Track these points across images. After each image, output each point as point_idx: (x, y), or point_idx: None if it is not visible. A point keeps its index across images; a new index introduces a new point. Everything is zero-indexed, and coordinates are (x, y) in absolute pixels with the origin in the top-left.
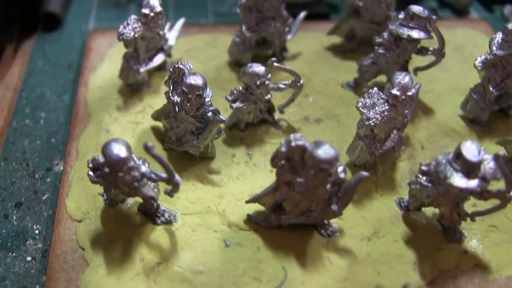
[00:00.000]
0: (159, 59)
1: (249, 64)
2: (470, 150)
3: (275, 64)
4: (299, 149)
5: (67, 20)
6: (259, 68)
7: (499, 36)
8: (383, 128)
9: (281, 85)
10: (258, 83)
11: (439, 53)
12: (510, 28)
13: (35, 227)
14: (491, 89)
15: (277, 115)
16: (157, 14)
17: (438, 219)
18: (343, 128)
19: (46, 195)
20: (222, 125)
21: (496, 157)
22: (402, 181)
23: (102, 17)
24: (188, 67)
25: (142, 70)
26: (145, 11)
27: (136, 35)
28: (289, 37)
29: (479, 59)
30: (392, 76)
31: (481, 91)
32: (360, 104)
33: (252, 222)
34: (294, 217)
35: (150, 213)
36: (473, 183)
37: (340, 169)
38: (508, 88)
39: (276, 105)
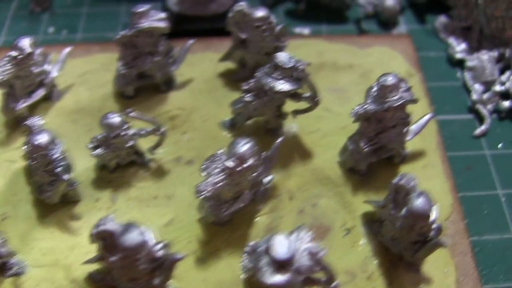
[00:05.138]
0: (38, 94)
1: (105, 115)
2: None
3: (131, 114)
4: (106, 233)
5: None
6: (113, 120)
7: (376, 87)
8: (228, 191)
9: (142, 132)
10: (112, 135)
11: (312, 101)
12: (384, 83)
13: None
14: (361, 144)
15: (151, 154)
16: (28, 55)
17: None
18: None
19: None
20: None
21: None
22: (255, 239)
23: (15, 30)
24: (37, 124)
25: (18, 107)
26: (13, 53)
27: (5, 78)
28: (173, 68)
29: (355, 108)
30: (232, 142)
31: (358, 141)
32: (203, 166)
33: (92, 280)
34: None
35: None
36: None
37: (157, 247)
38: (383, 143)
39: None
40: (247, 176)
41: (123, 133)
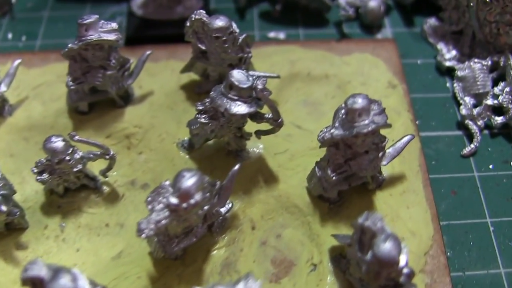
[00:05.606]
0: None
1: (48, 139)
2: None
3: (75, 138)
4: (35, 279)
5: None
6: (56, 144)
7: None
8: (176, 226)
9: (91, 156)
10: (55, 160)
11: (275, 123)
12: (351, 106)
13: None
14: (329, 172)
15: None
16: None
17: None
18: None
19: None
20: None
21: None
22: (211, 275)
23: None
24: None
25: None
26: None
27: None
28: (129, 81)
29: (322, 131)
30: (177, 175)
31: (326, 168)
32: (149, 198)
33: None
34: None
35: None
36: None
37: None
38: (353, 171)
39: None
40: (196, 212)
41: (68, 157)
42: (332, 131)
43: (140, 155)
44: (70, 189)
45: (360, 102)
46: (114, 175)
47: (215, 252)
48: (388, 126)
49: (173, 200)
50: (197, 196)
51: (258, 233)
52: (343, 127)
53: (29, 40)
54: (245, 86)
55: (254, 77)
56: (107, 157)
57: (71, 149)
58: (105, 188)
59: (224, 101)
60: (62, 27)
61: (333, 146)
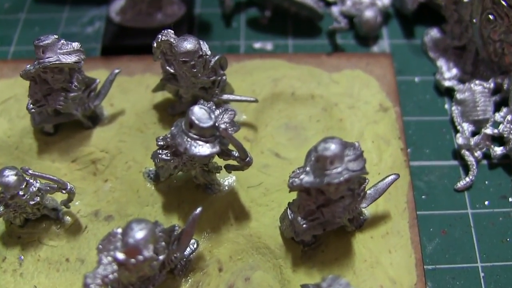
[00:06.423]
0: None
1: (0, 172)
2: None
3: (29, 172)
4: None
5: None
6: (8, 180)
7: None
8: (129, 276)
9: (48, 189)
10: (8, 196)
11: (242, 162)
12: (321, 153)
13: None
14: (298, 219)
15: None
16: None
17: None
18: None
19: None
20: None
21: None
22: None
23: None
24: None
25: None
26: None
27: None
28: (96, 102)
29: (292, 174)
30: (126, 227)
31: (297, 213)
32: (100, 246)
33: None
34: None
35: None
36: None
37: None
38: (326, 218)
39: None
40: (148, 264)
41: (21, 192)
42: (302, 177)
43: (106, 183)
44: (30, 219)
45: (332, 149)
46: (77, 204)
47: None
48: (365, 173)
49: (120, 256)
50: (146, 252)
51: (225, 276)
52: (314, 173)
53: (2, 46)
54: (205, 125)
55: (219, 112)
56: (64, 191)
57: (24, 183)
58: (68, 219)
59: (184, 139)
60: (38, 32)
61: (304, 191)
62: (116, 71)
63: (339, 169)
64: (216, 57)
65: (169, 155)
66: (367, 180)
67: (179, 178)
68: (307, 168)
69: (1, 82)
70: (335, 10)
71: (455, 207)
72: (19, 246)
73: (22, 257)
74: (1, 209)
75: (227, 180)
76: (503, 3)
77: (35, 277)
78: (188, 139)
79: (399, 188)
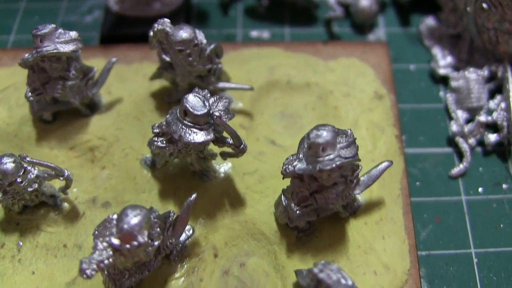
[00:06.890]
0: None
1: None
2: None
3: (27, 159)
4: None
5: None
6: (6, 167)
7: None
8: (124, 261)
9: (45, 175)
10: (6, 182)
11: (237, 149)
12: (314, 141)
13: None
14: (292, 205)
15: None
16: None
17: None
18: None
19: None
20: None
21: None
22: None
23: None
24: None
25: None
26: None
27: None
28: (93, 91)
29: (286, 160)
30: (121, 213)
31: (290, 200)
32: (95, 232)
33: None
34: None
35: None
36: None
37: None
38: (319, 205)
39: None
40: (143, 250)
41: (19, 179)
42: (295, 164)
43: (103, 171)
44: (29, 206)
45: (324, 136)
46: (75, 191)
47: (173, 282)
48: (357, 160)
49: (115, 241)
50: (141, 237)
51: (220, 262)
52: (306, 160)
53: (2, 34)
54: (199, 113)
55: (213, 100)
56: (61, 178)
57: (22, 170)
58: (66, 205)
59: (179, 127)
60: (37, 21)
61: (297, 178)
62: (113, 59)
63: (332, 156)
64: (212, 46)
65: (164, 142)
66: (360, 167)
67: (175, 165)
68: (300, 155)
69: (1, 70)
70: None
71: (449, 194)
72: (17, 233)
73: (21, 243)
74: (0, 196)
75: (223, 167)
76: None
77: (33, 263)
78: (183, 127)
79: (393, 175)
